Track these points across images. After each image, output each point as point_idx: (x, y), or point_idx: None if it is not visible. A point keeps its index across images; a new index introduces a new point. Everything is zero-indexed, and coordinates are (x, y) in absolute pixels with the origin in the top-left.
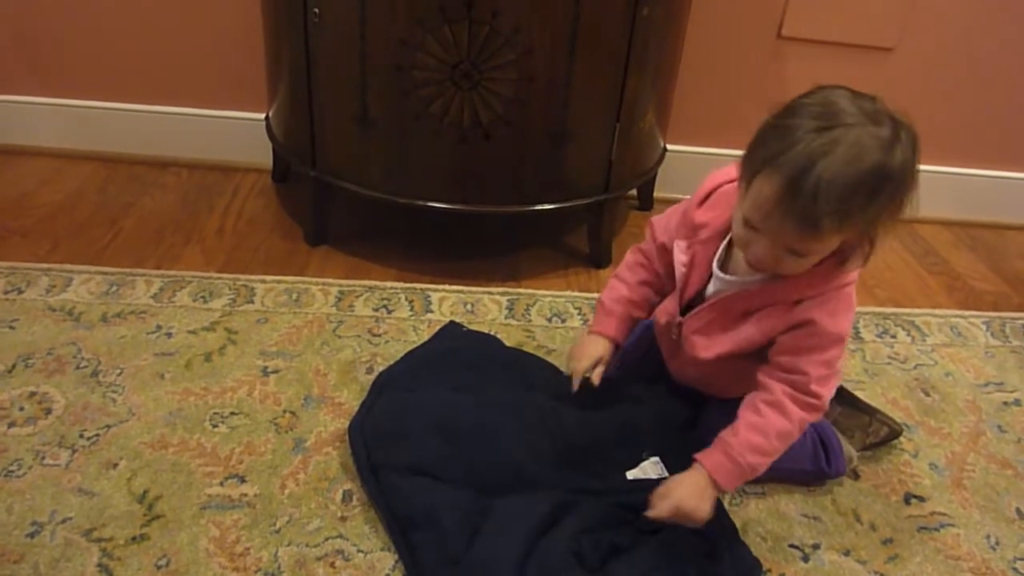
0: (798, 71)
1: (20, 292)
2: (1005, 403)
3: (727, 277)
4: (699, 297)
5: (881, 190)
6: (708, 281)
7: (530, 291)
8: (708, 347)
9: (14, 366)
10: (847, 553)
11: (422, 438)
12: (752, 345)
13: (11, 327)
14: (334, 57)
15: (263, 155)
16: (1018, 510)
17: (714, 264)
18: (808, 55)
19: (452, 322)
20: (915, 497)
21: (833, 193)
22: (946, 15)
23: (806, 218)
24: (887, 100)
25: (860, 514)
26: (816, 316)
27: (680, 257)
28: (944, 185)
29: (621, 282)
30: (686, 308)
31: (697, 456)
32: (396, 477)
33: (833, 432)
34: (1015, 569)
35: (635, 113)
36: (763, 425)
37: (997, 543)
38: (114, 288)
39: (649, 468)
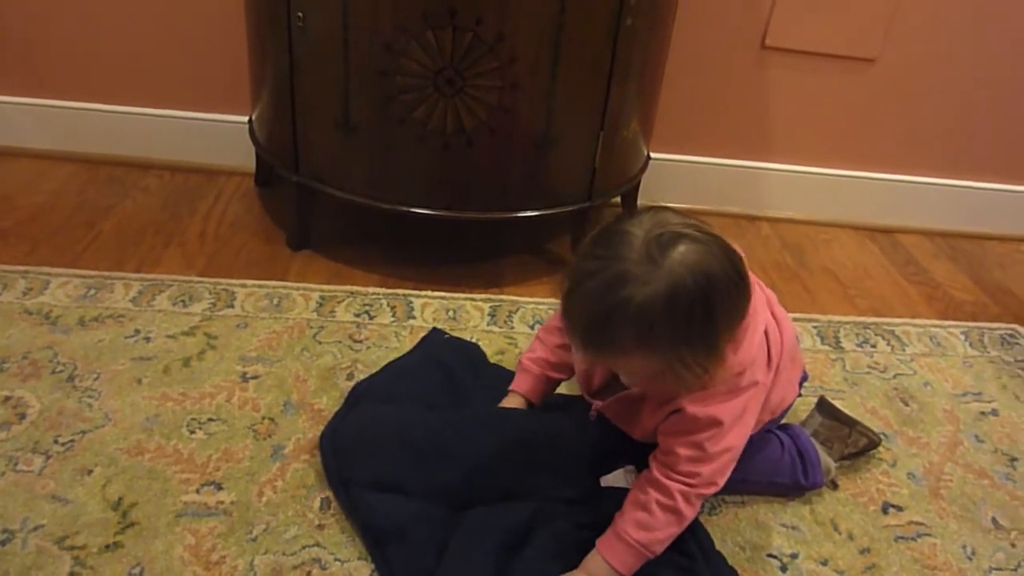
0: (782, 81)
1: None
2: (982, 413)
3: None
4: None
5: (623, 324)
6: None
7: (512, 298)
8: (632, 430)
9: None
10: (825, 563)
11: (389, 455)
12: (651, 432)
13: None
14: (317, 61)
15: (246, 159)
16: (994, 520)
17: None
18: (792, 65)
19: (435, 329)
20: (893, 507)
21: (579, 321)
22: (928, 26)
23: (574, 340)
24: (870, 110)
25: (838, 523)
26: (684, 405)
27: (578, 354)
28: (925, 195)
29: (540, 343)
30: (598, 392)
31: (597, 541)
32: (365, 492)
33: (811, 444)
34: None
35: (619, 121)
36: (646, 502)
37: (973, 553)
38: (92, 291)
39: (622, 477)
